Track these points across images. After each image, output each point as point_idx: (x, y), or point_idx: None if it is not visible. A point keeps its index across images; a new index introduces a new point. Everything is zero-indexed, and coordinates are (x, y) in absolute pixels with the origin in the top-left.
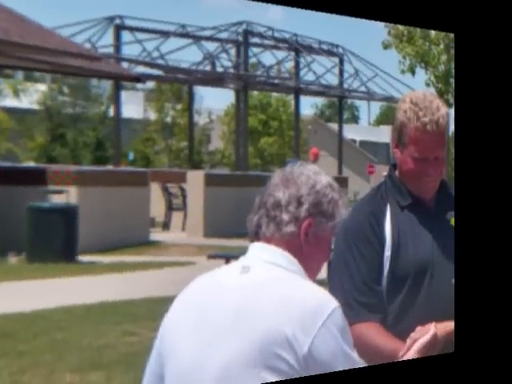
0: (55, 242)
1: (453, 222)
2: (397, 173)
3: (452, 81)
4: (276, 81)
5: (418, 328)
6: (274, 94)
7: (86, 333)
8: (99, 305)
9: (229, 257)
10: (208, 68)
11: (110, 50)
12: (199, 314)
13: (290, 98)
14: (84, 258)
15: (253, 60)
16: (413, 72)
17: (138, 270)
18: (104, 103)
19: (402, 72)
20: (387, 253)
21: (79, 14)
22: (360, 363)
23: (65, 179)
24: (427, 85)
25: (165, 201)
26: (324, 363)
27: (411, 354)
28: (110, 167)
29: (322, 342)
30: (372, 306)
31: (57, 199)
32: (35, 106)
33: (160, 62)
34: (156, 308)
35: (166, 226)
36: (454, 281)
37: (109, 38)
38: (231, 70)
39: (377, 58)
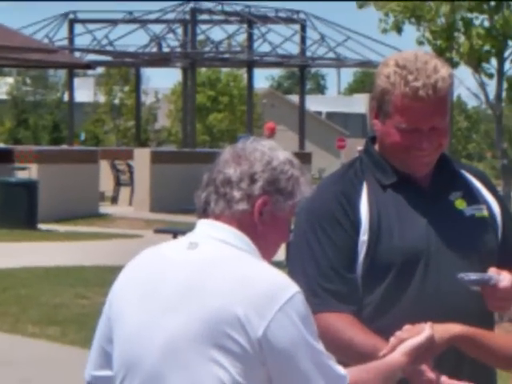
0: (20, 212)
1: (459, 204)
2: (376, 147)
3: (457, 35)
4: (226, 55)
5: (407, 327)
6: (225, 70)
7: (45, 291)
8: (56, 268)
9: (176, 232)
10: (155, 49)
11: (65, 42)
12: (146, 284)
13: (243, 71)
14: (43, 227)
15: (201, 37)
16: (399, 30)
17: (89, 240)
18: (59, 90)
19: (384, 31)
20: (363, 237)
21: (39, 12)
22: (327, 356)
23: (27, 158)
24: (420, 43)
25: (113, 177)
26: (283, 351)
27: (397, 356)
28: (64, 147)
29: (280, 327)
30: (342, 295)
31: (21, 175)
32: (4, 97)
33: (109, 48)
34: (105, 275)
35: (114, 200)
36: (462, 275)
37: (64, 31)
38: (178, 50)
39: (349, 20)
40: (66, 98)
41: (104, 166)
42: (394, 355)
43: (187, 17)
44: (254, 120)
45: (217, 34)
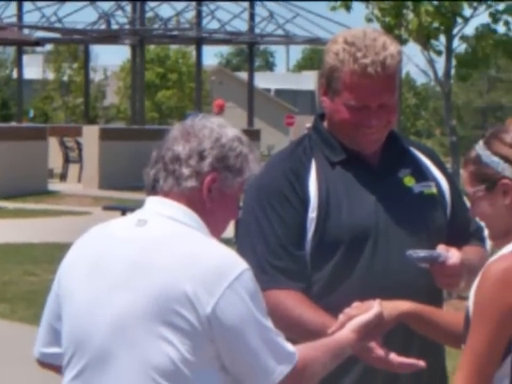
0: None
1: (408, 181)
2: (325, 124)
3: (406, 12)
4: (175, 32)
5: (356, 304)
6: (174, 47)
7: None
8: (4, 245)
9: (125, 209)
10: (103, 27)
11: (14, 19)
12: (95, 261)
13: (192, 49)
14: None
15: (150, 14)
16: (347, 7)
17: (38, 217)
18: (8, 67)
19: (333, 9)
20: (312, 214)
21: None
22: (275, 333)
23: None
24: (369, 20)
25: (62, 154)
26: (232, 328)
27: (345, 333)
28: (13, 124)
29: (229, 304)
30: (291, 272)
31: None
32: None
33: (57, 25)
34: (54, 252)
35: (63, 177)
36: (411, 252)
37: (12, 8)
38: (127, 27)
39: None
40: (14, 75)
41: (53, 143)
42: (342, 332)
43: None
44: (202, 97)
45: (165, 11)
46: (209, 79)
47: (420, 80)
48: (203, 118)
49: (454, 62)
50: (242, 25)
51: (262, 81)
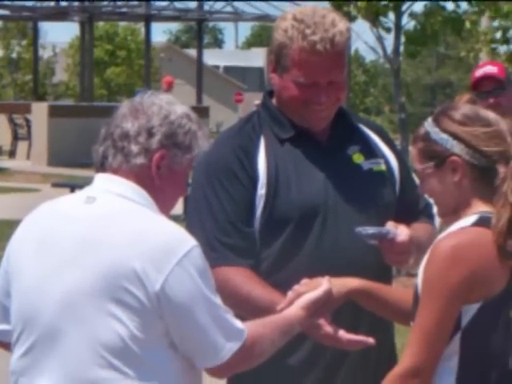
0: None
1: (357, 158)
2: (274, 101)
3: None
4: (124, 9)
5: (305, 281)
6: (122, 24)
7: None
8: None
9: (74, 186)
10: (52, 4)
11: None
12: (44, 238)
13: (140, 26)
14: None
15: None
16: None
17: None
18: None
19: None
20: (261, 191)
21: None
22: (224, 310)
23: None
24: None
25: (11, 131)
26: (181, 305)
27: (294, 310)
28: None
29: (178, 281)
30: (240, 249)
31: None
32: None
33: (6, 2)
34: (3, 229)
35: (12, 154)
36: (360, 229)
37: None
38: (76, 4)
39: None
40: None
41: (1, 120)
42: (291, 309)
43: None
44: (151, 74)
45: None
46: (158, 56)
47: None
48: (152, 95)
49: (402, 39)
50: (190, 1)
51: (211, 58)
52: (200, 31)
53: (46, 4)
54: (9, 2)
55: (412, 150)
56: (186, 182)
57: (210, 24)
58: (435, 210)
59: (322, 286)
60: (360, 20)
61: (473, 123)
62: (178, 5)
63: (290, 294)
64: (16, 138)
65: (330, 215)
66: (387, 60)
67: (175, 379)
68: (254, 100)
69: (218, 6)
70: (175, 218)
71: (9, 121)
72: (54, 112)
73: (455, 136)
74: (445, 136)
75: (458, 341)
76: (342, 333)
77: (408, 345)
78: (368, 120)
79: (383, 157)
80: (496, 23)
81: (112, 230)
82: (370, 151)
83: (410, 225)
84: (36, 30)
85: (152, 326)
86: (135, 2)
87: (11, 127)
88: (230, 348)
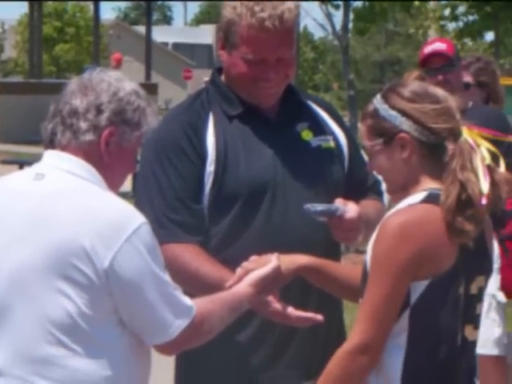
0: None
1: (306, 134)
2: (223, 78)
3: None
4: None
5: (253, 257)
6: (71, 1)
7: None
8: None
9: (23, 163)
10: None
11: None
12: None
13: (89, 3)
14: None
15: None
16: None
17: None
18: None
19: None
20: (209, 168)
21: None
22: (173, 287)
23: None
24: None
25: None
26: (130, 282)
27: (243, 287)
28: None
29: (126, 258)
30: (189, 225)
31: None
32: None
33: None
34: None
35: None
36: (308, 206)
37: None
38: None
39: None
40: None
41: None
42: (240, 286)
43: None
44: (100, 51)
45: None
46: (106, 33)
47: (318, 34)
48: (101, 71)
49: (351, 16)
50: None
51: (160, 35)
52: (149, 8)
53: None
54: None
55: (361, 127)
56: (134, 158)
57: (159, 1)
58: (384, 186)
59: (270, 262)
60: None
61: (421, 100)
62: None
63: (239, 270)
64: None
65: (278, 192)
66: (336, 37)
67: (124, 356)
68: (203, 77)
69: None
70: (124, 195)
71: None
72: (3, 89)
73: (404, 113)
74: (393, 113)
75: (406, 317)
76: (290, 310)
77: (357, 322)
78: (317, 97)
79: (332, 134)
80: (444, 1)
81: (61, 207)
82: (319, 128)
83: (359, 202)
84: None
85: (101, 303)
86: None
87: None
88: (178, 325)
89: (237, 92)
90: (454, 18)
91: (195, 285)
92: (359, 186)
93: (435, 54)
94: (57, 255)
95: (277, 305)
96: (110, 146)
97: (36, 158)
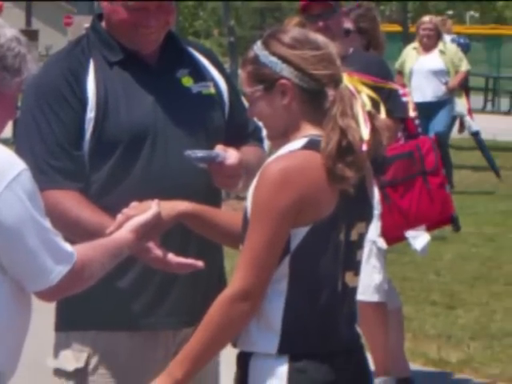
0: None
1: (186, 81)
2: (103, 24)
3: None
4: None
5: (134, 204)
6: None
7: None
8: None
9: None
10: None
11: None
12: None
13: None
14: None
15: None
16: None
17: None
18: None
19: None
20: (90, 114)
21: None
22: (54, 233)
23: None
24: None
25: None
26: (10, 228)
27: (123, 233)
28: None
29: (7, 205)
30: (69, 172)
31: None
32: None
33: None
34: None
35: None
36: (189, 152)
37: None
38: None
39: None
40: None
41: None
42: (120, 232)
43: None
44: None
45: None
46: None
47: None
48: None
49: None
50: None
51: None
52: None
53: None
54: None
55: (241, 74)
56: (15, 105)
57: None
58: (264, 133)
59: (151, 209)
60: None
61: (302, 46)
62: None
63: (119, 217)
64: None
65: (159, 138)
66: None
67: (4, 302)
68: (84, 23)
69: None
70: (4, 142)
71: None
72: None
73: (284, 59)
74: (274, 59)
75: (287, 264)
76: (171, 256)
77: (237, 268)
78: (197, 43)
79: (212, 80)
80: None
81: None
82: (200, 74)
83: (240, 148)
84: None
85: None
86: None
87: None
88: (59, 271)
89: (117, 38)
90: None
91: (76, 231)
92: (240, 133)
93: (316, 1)
94: None
95: (157, 251)
96: None
97: None
